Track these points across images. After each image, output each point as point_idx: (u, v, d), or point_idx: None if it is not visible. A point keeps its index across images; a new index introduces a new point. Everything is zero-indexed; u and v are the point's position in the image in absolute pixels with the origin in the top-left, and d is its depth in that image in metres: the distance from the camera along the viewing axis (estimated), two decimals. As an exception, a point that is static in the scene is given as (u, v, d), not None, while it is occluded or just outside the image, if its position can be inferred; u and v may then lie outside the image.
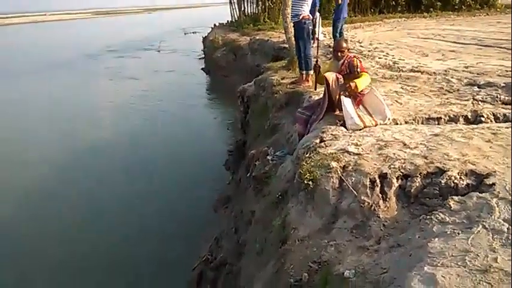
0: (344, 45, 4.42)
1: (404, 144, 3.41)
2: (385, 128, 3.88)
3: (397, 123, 4.13)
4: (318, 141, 3.78)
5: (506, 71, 6.12)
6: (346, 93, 4.36)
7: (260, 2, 19.72)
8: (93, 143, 9.93)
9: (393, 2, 20.53)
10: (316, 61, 4.94)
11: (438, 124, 4.10)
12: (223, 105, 14.41)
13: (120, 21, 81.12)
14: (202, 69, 20.77)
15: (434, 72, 6.35)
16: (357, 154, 3.33)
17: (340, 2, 9.15)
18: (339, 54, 4.42)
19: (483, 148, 3.22)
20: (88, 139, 10.15)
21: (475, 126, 3.77)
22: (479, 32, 11.79)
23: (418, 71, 6.59)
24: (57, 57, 27.91)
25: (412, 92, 5.30)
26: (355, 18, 18.65)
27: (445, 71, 6.41)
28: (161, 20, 75.45)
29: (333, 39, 9.20)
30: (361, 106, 4.28)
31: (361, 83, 4.20)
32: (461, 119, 4.13)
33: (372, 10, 20.66)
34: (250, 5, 20.96)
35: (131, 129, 10.70)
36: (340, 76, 4.30)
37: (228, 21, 23.41)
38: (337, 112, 4.38)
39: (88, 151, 9.46)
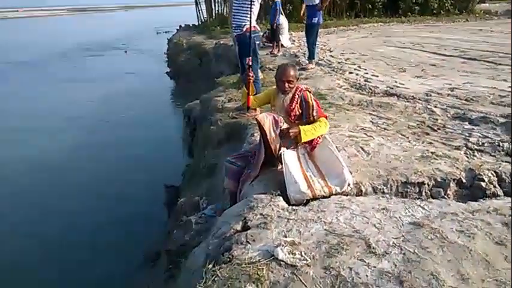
0: (292, 73, 3.10)
1: (368, 246, 2.12)
2: (342, 203, 2.59)
3: (360, 192, 2.84)
4: (238, 227, 2.46)
5: (501, 96, 4.94)
6: (291, 143, 3.07)
7: (228, 3, 18.33)
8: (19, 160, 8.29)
9: (370, 6, 19.37)
10: (249, 67, 3.54)
11: (420, 195, 2.84)
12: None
13: (95, 19, 78.38)
14: (166, 73, 19.19)
15: (413, 97, 5.11)
16: (291, 267, 2.02)
17: (325, 5, 7.57)
18: (286, 85, 3.10)
19: (493, 259, 1.96)
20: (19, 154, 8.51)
21: (475, 206, 2.51)
22: (462, 40, 10.72)
23: (393, 94, 5.34)
24: (18, 56, 25.86)
25: (384, 129, 4.03)
26: (330, 22, 17.42)
27: (427, 94, 5.19)
28: (136, 18, 73.03)
29: (306, 48, 7.83)
30: (310, 163, 2.98)
31: (309, 132, 2.93)
32: (452, 185, 2.87)
33: (348, 14, 19.46)
34: (218, 6, 19.55)
35: (65, 147, 9.09)
36: (279, 119, 3.00)
37: (193, 24, 21.95)
38: (280, 167, 3.07)
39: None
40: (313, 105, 3.11)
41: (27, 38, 39.36)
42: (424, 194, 2.85)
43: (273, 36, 10.40)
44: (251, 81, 3.08)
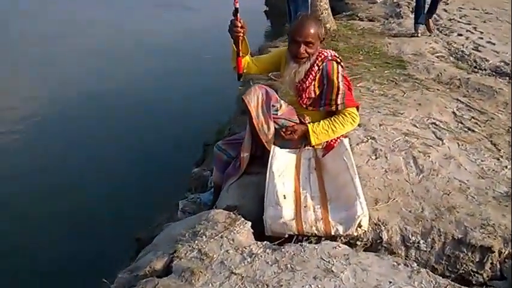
0: (313, 30, 1.98)
1: None
2: (332, 262, 1.56)
3: (378, 241, 1.77)
4: (159, 265, 1.62)
5: None
6: (290, 137, 2.05)
7: None
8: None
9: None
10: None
11: (479, 271, 1.68)
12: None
13: None
14: (265, 12, 17.77)
15: (535, 83, 3.54)
16: None
17: None
18: (301, 49, 2.00)
19: None
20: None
21: None
22: None
23: (506, 74, 3.80)
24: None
25: (469, 129, 2.72)
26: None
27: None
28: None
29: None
30: (313, 175, 1.95)
31: (322, 133, 1.95)
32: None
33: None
34: None
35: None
36: (274, 96, 1.97)
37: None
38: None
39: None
40: (339, 86, 2.01)
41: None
42: (487, 270, 1.67)
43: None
44: (240, 34, 2.01)
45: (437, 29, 5.65)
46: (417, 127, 2.69)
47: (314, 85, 2.04)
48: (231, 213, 1.86)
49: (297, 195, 1.86)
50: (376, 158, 2.27)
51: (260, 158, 2.11)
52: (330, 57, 2.04)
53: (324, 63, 2.02)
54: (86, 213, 3.11)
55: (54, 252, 2.79)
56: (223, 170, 2.30)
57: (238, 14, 2.00)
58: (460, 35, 5.34)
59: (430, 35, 5.13)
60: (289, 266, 1.55)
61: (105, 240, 2.86)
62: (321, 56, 2.03)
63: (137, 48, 8.87)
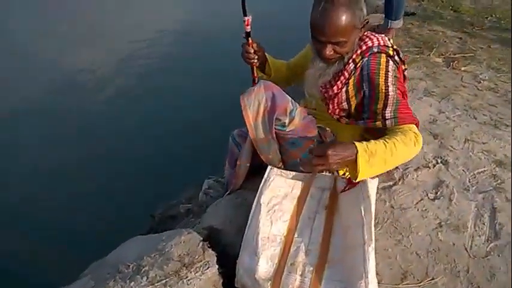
0: (343, 22, 1.23)
1: None
2: None
3: None
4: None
5: None
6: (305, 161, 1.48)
7: None
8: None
9: None
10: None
11: None
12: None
13: None
14: None
15: None
16: None
17: None
18: (327, 51, 1.30)
19: None
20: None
21: None
22: None
23: None
24: None
25: None
26: None
27: None
28: None
29: None
30: (318, 220, 1.38)
31: (377, 161, 1.21)
32: None
33: None
34: None
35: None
36: (284, 106, 1.38)
37: None
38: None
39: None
40: (387, 92, 1.33)
41: None
42: None
43: None
44: (254, 61, 1.42)
45: None
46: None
47: (348, 92, 1.37)
48: (203, 243, 1.43)
49: (286, 242, 1.34)
50: (434, 199, 1.58)
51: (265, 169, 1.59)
52: (376, 49, 1.33)
53: (365, 59, 1.33)
54: (107, 184, 2.92)
55: (66, 221, 2.66)
56: (234, 165, 1.83)
57: (250, 38, 1.41)
58: None
59: None
60: None
61: (121, 212, 2.67)
62: (361, 48, 1.34)
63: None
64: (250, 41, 1.44)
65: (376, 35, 1.37)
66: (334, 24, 1.22)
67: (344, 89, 1.37)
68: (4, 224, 2.66)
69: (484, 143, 1.90)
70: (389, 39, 1.41)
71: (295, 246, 1.33)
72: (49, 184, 2.95)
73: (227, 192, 1.75)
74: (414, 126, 1.37)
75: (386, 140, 1.26)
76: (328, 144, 1.29)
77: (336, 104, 1.41)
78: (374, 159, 1.20)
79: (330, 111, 1.45)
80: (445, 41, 3.11)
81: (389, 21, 2.74)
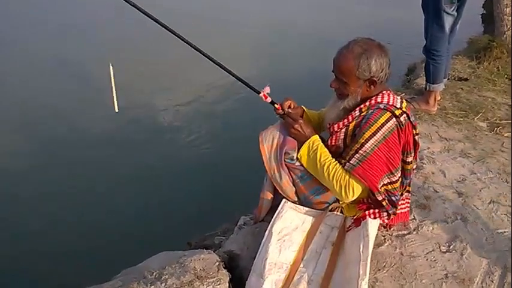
0: (350, 63, 1.45)
1: None
2: None
3: None
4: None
5: None
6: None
7: None
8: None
9: None
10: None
11: None
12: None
13: None
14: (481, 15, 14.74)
15: None
16: None
17: None
18: (334, 84, 1.55)
19: None
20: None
21: None
22: None
23: None
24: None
25: None
26: None
27: None
28: None
29: None
30: (325, 254, 1.50)
31: (311, 158, 1.58)
32: None
33: None
34: None
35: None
36: (293, 142, 1.56)
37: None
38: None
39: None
40: (364, 144, 1.46)
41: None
42: None
43: None
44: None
45: None
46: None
47: (346, 133, 1.53)
48: (219, 263, 1.59)
49: (292, 271, 1.46)
50: (446, 251, 1.63)
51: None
52: (382, 106, 1.47)
53: (370, 111, 1.48)
54: (148, 211, 3.21)
55: (102, 243, 2.93)
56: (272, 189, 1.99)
57: (276, 104, 1.66)
58: None
59: None
60: None
61: (160, 238, 2.91)
62: (371, 101, 1.50)
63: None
64: (277, 106, 1.67)
65: (392, 95, 1.53)
66: (340, 62, 1.48)
67: (344, 130, 1.53)
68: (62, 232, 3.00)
69: (510, 206, 1.91)
70: (402, 101, 1.54)
71: (299, 275, 1.46)
72: (106, 210, 3.28)
73: (248, 225, 1.92)
74: (361, 185, 1.48)
75: (333, 161, 1.52)
76: (303, 121, 1.60)
77: (334, 140, 1.57)
78: (313, 156, 1.54)
79: (329, 144, 1.59)
80: (493, 107, 3.13)
81: (428, 84, 2.86)
